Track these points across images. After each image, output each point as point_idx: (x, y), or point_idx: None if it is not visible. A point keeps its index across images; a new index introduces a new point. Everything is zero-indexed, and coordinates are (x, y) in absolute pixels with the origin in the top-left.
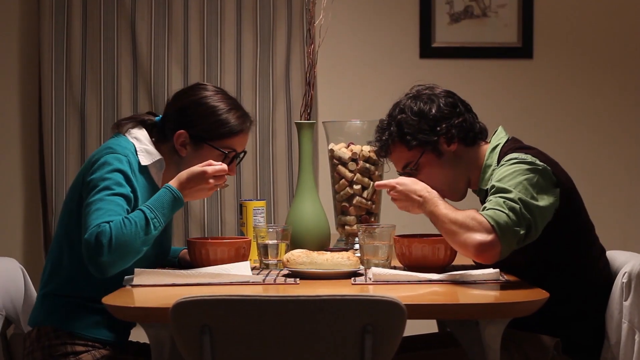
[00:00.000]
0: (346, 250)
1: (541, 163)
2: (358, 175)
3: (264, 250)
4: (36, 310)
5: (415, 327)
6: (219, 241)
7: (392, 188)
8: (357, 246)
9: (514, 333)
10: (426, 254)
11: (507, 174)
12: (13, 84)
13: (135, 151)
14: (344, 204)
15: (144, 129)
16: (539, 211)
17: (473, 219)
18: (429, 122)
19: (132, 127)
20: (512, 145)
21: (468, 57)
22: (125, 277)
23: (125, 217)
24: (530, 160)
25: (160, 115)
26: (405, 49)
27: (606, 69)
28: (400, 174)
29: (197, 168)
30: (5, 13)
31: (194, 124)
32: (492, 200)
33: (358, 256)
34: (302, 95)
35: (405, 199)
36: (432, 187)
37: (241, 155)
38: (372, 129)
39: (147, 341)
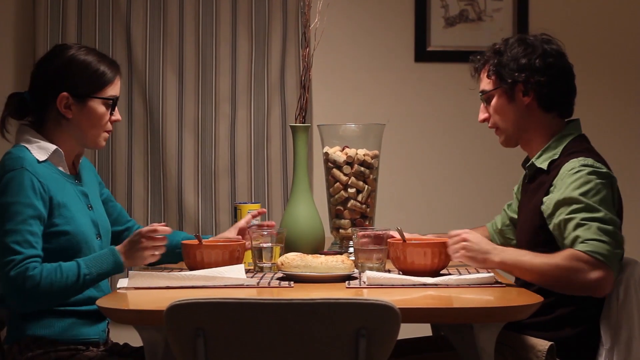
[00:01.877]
0: (340, 253)
1: (614, 176)
2: (353, 178)
3: (258, 253)
4: (11, 326)
5: (409, 331)
6: (213, 244)
7: (463, 240)
8: (351, 250)
9: (508, 337)
10: (420, 258)
11: (589, 188)
12: (8, 90)
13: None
14: (338, 207)
15: (21, 122)
16: (618, 225)
17: (577, 259)
18: (516, 65)
19: (8, 124)
20: (581, 147)
21: (463, 61)
22: (120, 279)
23: (59, 267)
24: (605, 172)
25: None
26: (401, 52)
27: (600, 74)
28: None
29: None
30: (0, 19)
31: (72, 83)
32: (585, 227)
33: (352, 260)
34: (297, 99)
35: (476, 247)
36: (492, 121)
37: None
38: (367, 133)
39: (133, 343)
